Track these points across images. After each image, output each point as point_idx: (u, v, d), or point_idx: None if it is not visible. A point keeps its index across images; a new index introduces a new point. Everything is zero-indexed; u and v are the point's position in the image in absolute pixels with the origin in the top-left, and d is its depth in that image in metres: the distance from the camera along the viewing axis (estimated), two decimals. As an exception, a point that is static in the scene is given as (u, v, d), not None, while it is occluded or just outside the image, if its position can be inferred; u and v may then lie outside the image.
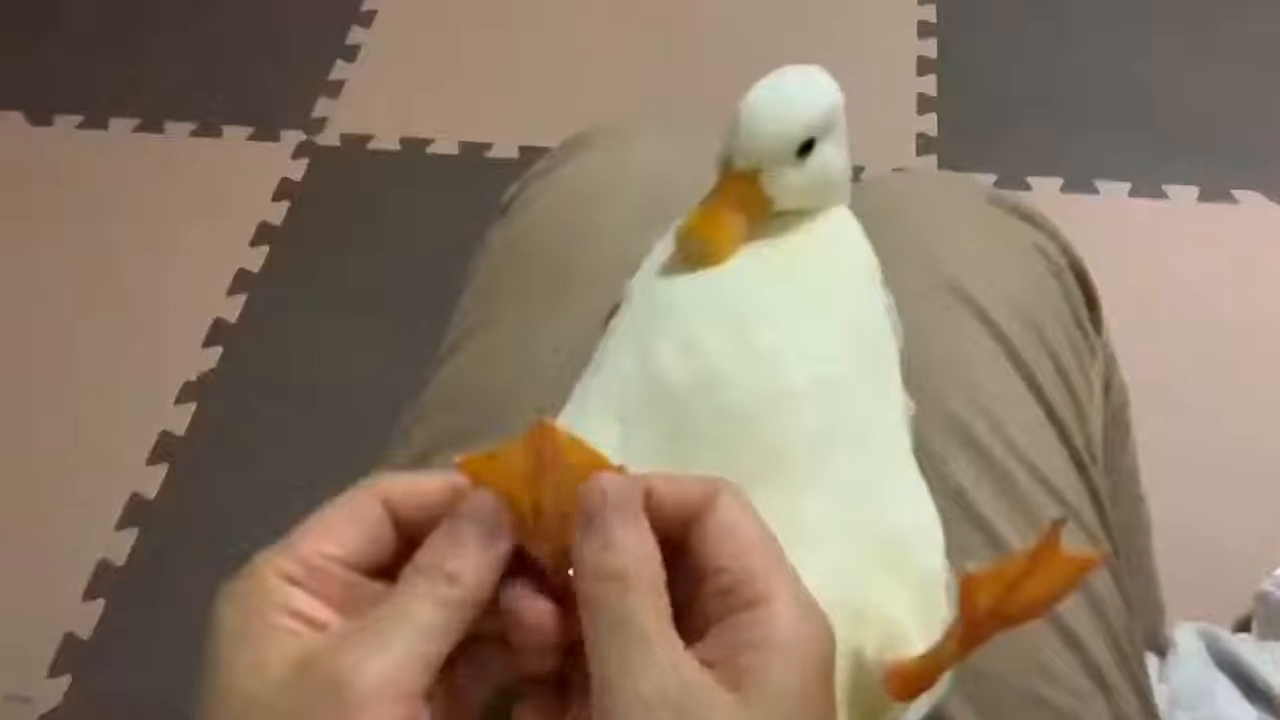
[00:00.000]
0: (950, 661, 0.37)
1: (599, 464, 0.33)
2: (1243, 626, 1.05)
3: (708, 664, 0.31)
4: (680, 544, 0.34)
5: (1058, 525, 0.34)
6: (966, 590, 0.36)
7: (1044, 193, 1.44)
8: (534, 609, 0.33)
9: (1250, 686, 0.88)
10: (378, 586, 0.34)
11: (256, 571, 0.32)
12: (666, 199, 0.55)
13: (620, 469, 0.34)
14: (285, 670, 0.30)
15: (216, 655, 0.31)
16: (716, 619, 0.32)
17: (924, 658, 0.38)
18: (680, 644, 0.31)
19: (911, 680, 0.38)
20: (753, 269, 0.47)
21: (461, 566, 0.32)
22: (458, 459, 0.34)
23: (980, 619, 0.35)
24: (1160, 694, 0.88)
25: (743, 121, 0.45)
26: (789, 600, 0.32)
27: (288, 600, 0.32)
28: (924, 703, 0.40)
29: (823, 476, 0.43)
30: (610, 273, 0.54)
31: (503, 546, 0.33)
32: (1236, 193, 1.44)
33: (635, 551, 0.32)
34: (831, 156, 0.47)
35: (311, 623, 0.32)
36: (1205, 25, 1.62)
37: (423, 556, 0.33)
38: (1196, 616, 0.99)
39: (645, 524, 0.33)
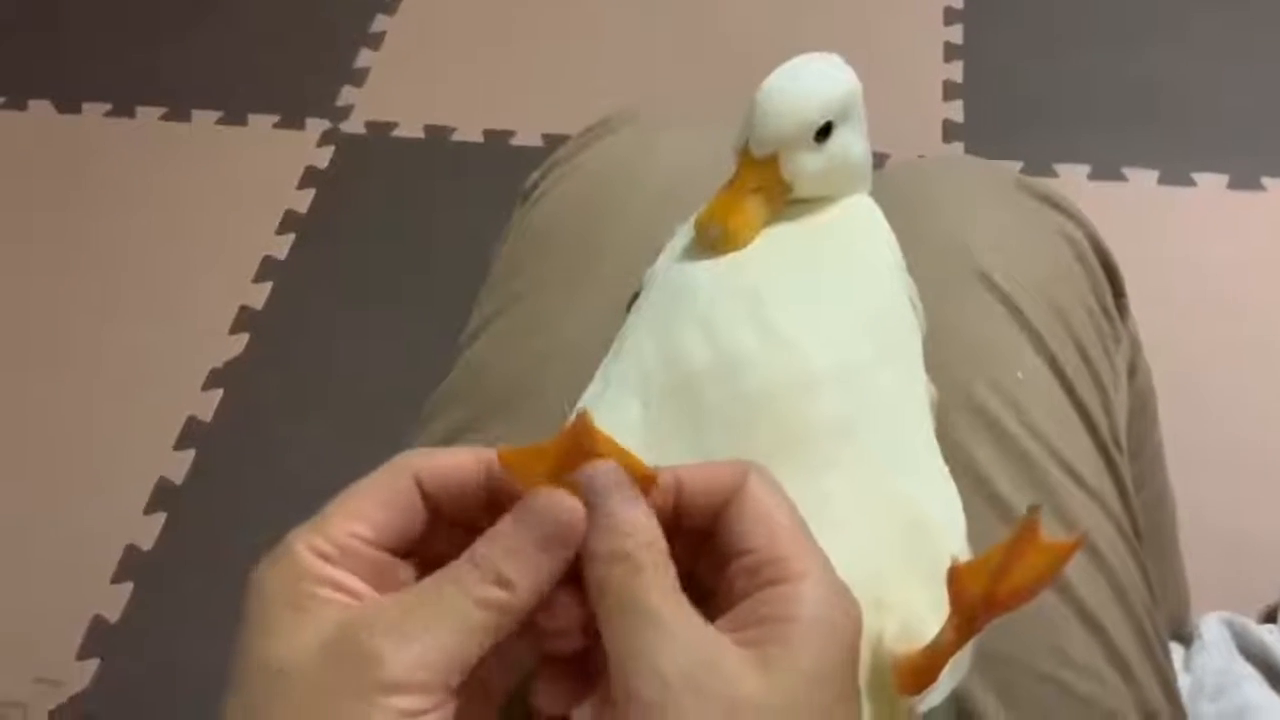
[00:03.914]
0: (948, 652, 0.37)
1: (632, 464, 0.33)
2: (1269, 617, 1.04)
3: (732, 633, 0.31)
4: (709, 529, 0.34)
5: (1035, 513, 0.35)
6: (956, 580, 0.36)
7: (1071, 180, 1.43)
8: (564, 589, 0.33)
9: (1277, 676, 0.87)
10: (408, 568, 0.34)
11: (290, 549, 0.32)
12: (688, 185, 0.55)
13: (654, 471, 0.34)
14: (319, 640, 0.30)
15: (256, 626, 0.31)
16: (744, 595, 0.32)
17: (924, 651, 0.38)
18: (696, 618, 0.31)
19: (916, 674, 0.38)
20: (773, 254, 0.47)
21: (516, 573, 0.31)
22: (499, 449, 0.33)
23: (972, 607, 0.36)
24: (1184, 683, 0.87)
25: (759, 107, 0.45)
26: (818, 579, 0.32)
27: (323, 571, 0.32)
28: (945, 684, 0.40)
29: (844, 461, 0.43)
30: (632, 258, 0.54)
31: (564, 557, 0.32)
32: (1266, 180, 1.42)
33: (636, 532, 0.32)
34: (850, 142, 0.47)
35: (349, 592, 0.32)
36: (1233, 11, 1.60)
37: (480, 550, 0.32)
38: (1222, 606, 0.98)
39: (643, 505, 0.33)
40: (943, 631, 0.37)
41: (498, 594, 0.31)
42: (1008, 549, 0.35)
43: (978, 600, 0.35)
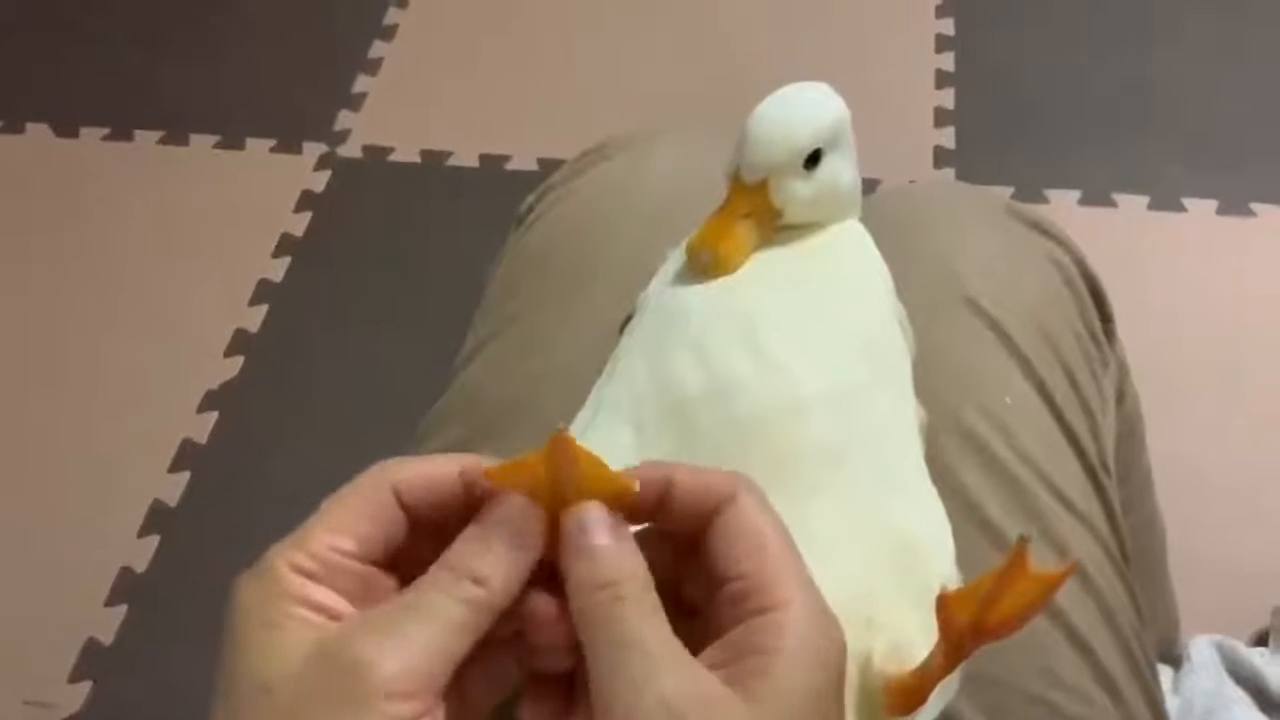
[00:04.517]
0: (938, 676, 0.37)
1: (612, 478, 0.34)
2: (1260, 641, 1.04)
3: (718, 667, 0.31)
4: (696, 541, 0.34)
5: (1024, 543, 0.35)
6: (944, 609, 0.36)
7: (1062, 206, 1.44)
8: (552, 607, 0.33)
9: (1266, 700, 0.87)
10: (391, 580, 0.34)
11: (271, 566, 0.32)
12: (681, 210, 0.56)
13: (632, 479, 0.34)
14: (302, 657, 0.30)
15: (234, 644, 0.31)
16: (730, 624, 0.32)
17: (914, 673, 0.38)
18: (681, 649, 0.31)
19: (905, 695, 0.38)
20: (764, 279, 0.47)
21: (490, 570, 0.32)
22: (485, 467, 0.34)
23: (960, 635, 0.36)
24: (1173, 705, 0.87)
25: (750, 134, 0.46)
26: (803, 607, 0.32)
27: (303, 591, 0.32)
28: (934, 705, 0.40)
29: (834, 484, 0.43)
30: (625, 282, 0.54)
31: (531, 553, 0.33)
32: (1255, 206, 1.43)
33: (620, 561, 0.32)
34: (840, 169, 0.48)
35: (328, 613, 0.32)
36: (1227, 39, 1.61)
37: (452, 555, 0.33)
38: (1213, 630, 0.98)
39: (629, 541, 0.33)
40: (932, 655, 0.38)
41: (474, 591, 0.32)
42: (997, 578, 0.36)
43: (966, 628, 0.36)
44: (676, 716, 0.29)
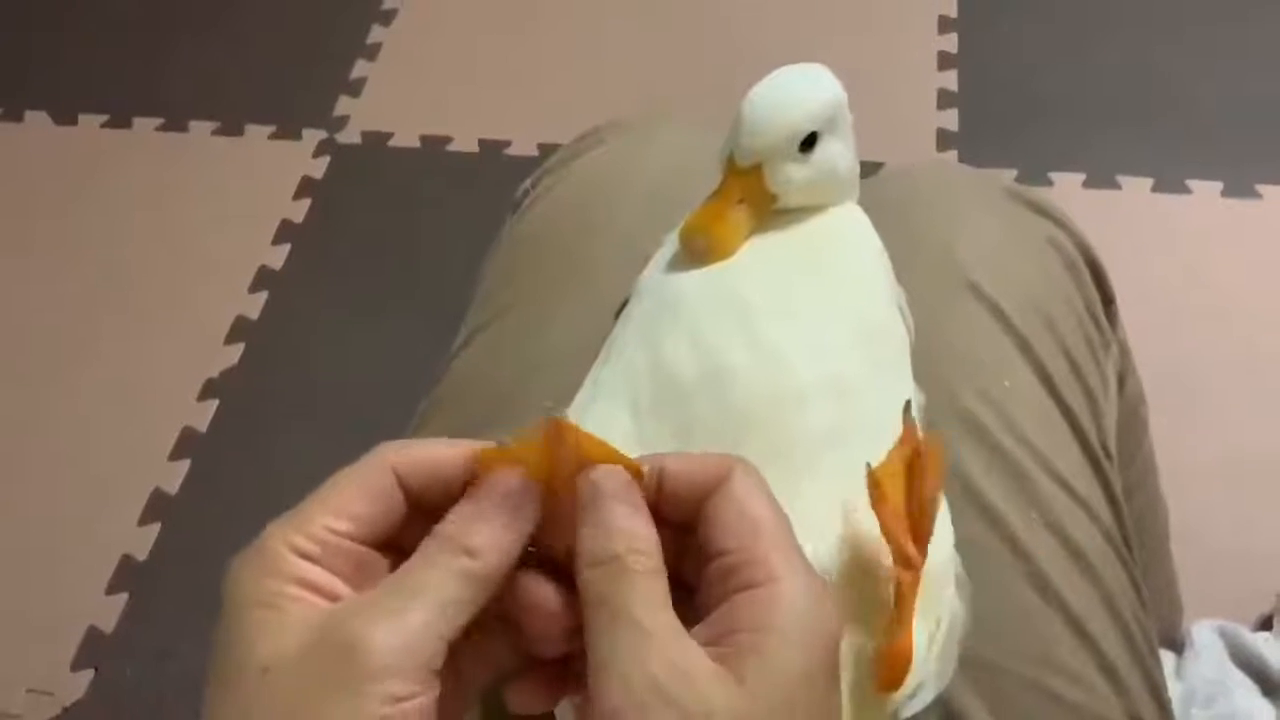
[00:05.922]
0: (904, 612, 0.37)
1: (616, 459, 0.33)
2: (1264, 625, 1.04)
3: (708, 645, 0.31)
4: (692, 523, 0.34)
5: (907, 411, 0.38)
6: (875, 484, 0.38)
7: (1066, 188, 1.44)
8: (549, 594, 0.33)
9: (1270, 685, 0.87)
10: (387, 562, 0.34)
11: (268, 545, 0.32)
12: (678, 194, 0.55)
13: (639, 462, 0.34)
14: (300, 638, 0.30)
15: (231, 626, 0.31)
16: (720, 600, 0.32)
17: (885, 629, 0.38)
18: (679, 629, 0.31)
19: (887, 660, 0.38)
20: (761, 264, 0.47)
21: (483, 542, 0.32)
22: (482, 450, 0.34)
23: (894, 522, 0.37)
24: (1176, 691, 0.87)
25: (744, 117, 0.45)
26: (793, 583, 0.32)
27: (299, 572, 0.32)
28: (928, 689, 0.40)
29: (830, 471, 0.43)
30: (621, 266, 0.54)
31: (525, 526, 0.33)
32: (1260, 187, 1.42)
33: (630, 537, 0.32)
34: (837, 152, 0.47)
35: (323, 593, 0.32)
36: (1230, 20, 1.60)
37: (444, 527, 0.32)
38: (1217, 615, 0.98)
39: (643, 511, 0.33)
40: (889, 619, 0.38)
41: (467, 563, 0.32)
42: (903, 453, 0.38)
43: (894, 509, 0.38)
44: (664, 693, 0.29)
